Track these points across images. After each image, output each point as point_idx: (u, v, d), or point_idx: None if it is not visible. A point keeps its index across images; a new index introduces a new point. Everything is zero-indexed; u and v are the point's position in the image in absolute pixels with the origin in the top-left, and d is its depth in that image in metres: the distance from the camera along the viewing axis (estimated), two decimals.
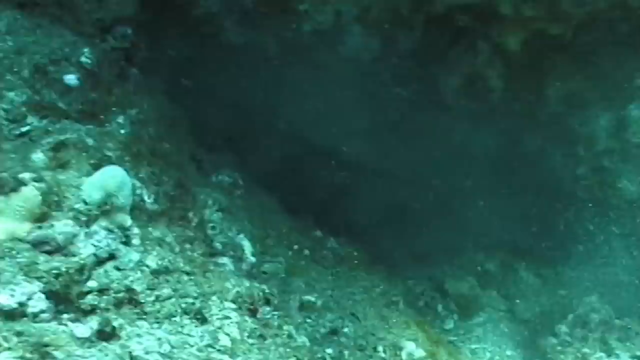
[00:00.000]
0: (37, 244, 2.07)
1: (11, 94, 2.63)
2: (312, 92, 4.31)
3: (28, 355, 1.69)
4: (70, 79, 2.64)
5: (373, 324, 3.48)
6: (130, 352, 1.99)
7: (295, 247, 3.70)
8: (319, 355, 3.07)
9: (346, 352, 3.19)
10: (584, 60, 3.99)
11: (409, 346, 3.49)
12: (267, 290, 2.80)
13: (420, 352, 3.51)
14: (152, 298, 2.28)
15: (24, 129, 2.57)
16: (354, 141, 4.63)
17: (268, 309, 2.77)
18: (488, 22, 3.79)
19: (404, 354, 3.45)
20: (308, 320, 3.19)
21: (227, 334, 2.41)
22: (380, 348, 3.37)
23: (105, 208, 2.24)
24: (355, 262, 3.81)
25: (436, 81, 4.28)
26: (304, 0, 3.75)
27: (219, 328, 2.41)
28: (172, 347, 2.14)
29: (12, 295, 1.91)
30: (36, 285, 1.99)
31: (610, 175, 4.66)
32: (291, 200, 4.09)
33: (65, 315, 2.03)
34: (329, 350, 3.14)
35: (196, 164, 3.49)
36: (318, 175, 4.52)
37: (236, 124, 4.21)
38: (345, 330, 3.32)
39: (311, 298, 3.31)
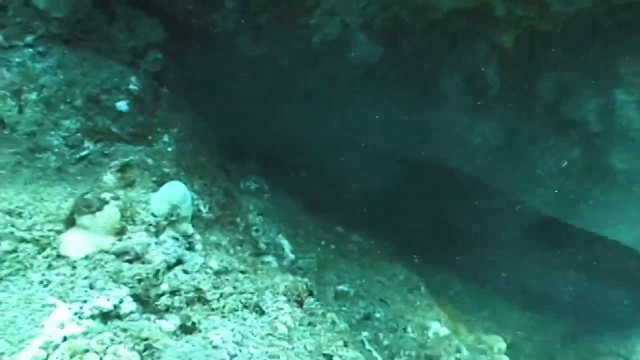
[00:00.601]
0: (120, 255, 2.36)
1: (67, 122, 2.92)
2: (324, 97, 4.61)
3: (137, 347, 1.98)
4: (122, 105, 2.93)
5: (400, 308, 3.80)
6: (211, 342, 2.29)
7: (322, 243, 4.01)
8: (358, 339, 3.40)
9: (380, 334, 3.52)
10: (572, 53, 4.31)
11: (434, 325, 3.82)
12: (308, 283, 3.11)
13: (444, 330, 3.85)
14: (217, 296, 2.58)
15: (82, 154, 2.87)
16: (366, 136, 4.94)
17: (312, 299, 3.07)
18: (484, 23, 4.11)
19: (430, 333, 3.79)
20: (344, 308, 3.52)
21: (283, 323, 2.72)
22: (409, 329, 3.70)
23: (171, 219, 2.53)
24: (378, 252, 4.12)
25: (438, 81, 4.60)
26: (313, 15, 4.05)
27: (275, 318, 2.71)
28: (242, 336, 2.45)
29: (108, 299, 2.20)
30: (124, 290, 2.28)
31: (602, 154, 5.01)
32: (313, 201, 4.40)
33: (149, 315, 2.32)
34: (365, 334, 3.47)
35: (225, 173, 3.79)
36: (334, 173, 4.82)
37: (255, 133, 4.50)
38: (377, 315, 3.64)
39: (344, 288, 3.63)
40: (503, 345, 4.36)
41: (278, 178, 4.30)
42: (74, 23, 3.17)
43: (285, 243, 3.31)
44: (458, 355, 3.74)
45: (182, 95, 3.80)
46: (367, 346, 3.38)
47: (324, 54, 4.35)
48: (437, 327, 3.81)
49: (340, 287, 3.60)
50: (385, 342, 3.49)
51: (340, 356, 2.78)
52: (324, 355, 2.71)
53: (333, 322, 3.11)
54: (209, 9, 3.90)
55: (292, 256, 3.29)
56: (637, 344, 4.82)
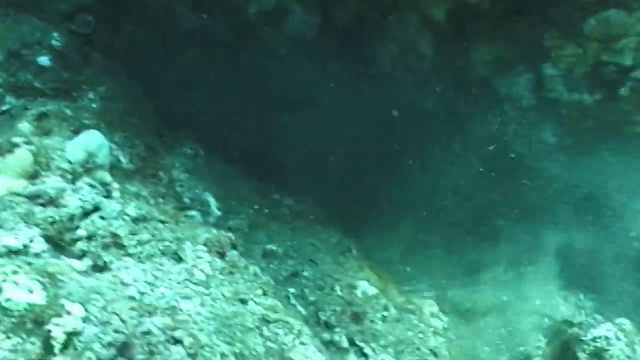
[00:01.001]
0: (32, 197, 2.42)
1: None
2: (261, 67, 4.70)
3: (40, 278, 2.04)
4: (44, 60, 2.97)
5: (330, 268, 3.91)
6: (121, 280, 2.37)
7: (256, 207, 4.10)
8: (284, 294, 3.50)
9: (307, 291, 3.62)
10: (501, 27, 4.48)
11: (363, 285, 3.95)
12: (233, 238, 3.21)
13: (373, 290, 3.97)
14: (134, 242, 2.65)
15: (4, 108, 2.90)
16: (302, 110, 5.05)
17: (235, 252, 3.16)
18: None
19: (358, 292, 3.91)
20: (271, 266, 3.62)
21: (201, 270, 2.81)
22: (337, 287, 3.81)
23: (87, 166, 2.60)
24: (311, 217, 4.23)
25: (373, 52, 4.73)
26: None
27: (194, 266, 2.80)
28: (155, 277, 2.53)
29: (17, 238, 2.26)
30: (35, 231, 2.34)
31: (534, 128, 5.21)
32: (250, 168, 4.49)
33: (62, 256, 2.39)
34: (292, 290, 3.57)
35: (159, 138, 3.85)
36: (271, 141, 4.91)
37: (193, 101, 4.56)
38: (305, 273, 3.75)
39: (273, 247, 3.73)
40: (435, 309, 4.51)
41: (215, 146, 4.37)
42: None
43: (211, 200, 3.39)
44: (385, 313, 3.86)
45: (116, 61, 3.85)
46: (292, 301, 3.48)
47: (260, 24, 4.44)
48: (366, 287, 3.93)
49: (269, 247, 3.70)
50: (311, 298, 3.60)
51: (257, 302, 2.88)
52: (240, 300, 2.81)
53: (255, 275, 3.21)
54: None
55: (218, 212, 3.38)
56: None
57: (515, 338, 4.52)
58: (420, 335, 3.90)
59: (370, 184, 4.99)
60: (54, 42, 3.05)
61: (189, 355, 2.28)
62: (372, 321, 3.77)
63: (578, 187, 5.22)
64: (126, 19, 4.08)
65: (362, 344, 3.58)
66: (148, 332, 2.18)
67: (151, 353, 2.17)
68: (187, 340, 2.29)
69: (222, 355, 2.38)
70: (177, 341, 2.28)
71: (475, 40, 4.66)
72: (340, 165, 4.88)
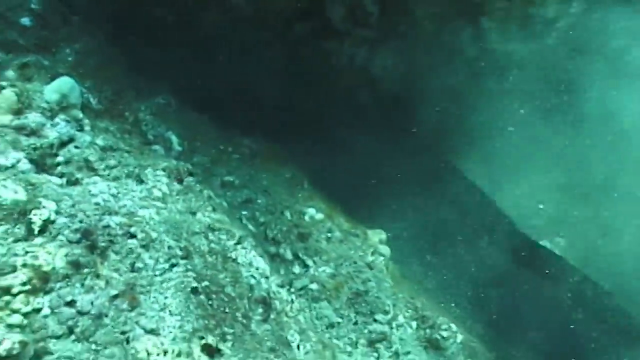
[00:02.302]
0: (18, 129, 3.08)
1: None
2: (225, 29, 5.30)
3: (23, 185, 2.72)
4: (25, 21, 3.61)
5: (282, 197, 4.57)
6: (90, 191, 3.04)
7: (221, 147, 4.75)
8: (237, 216, 4.18)
9: (258, 214, 4.30)
10: None
11: (311, 211, 4.61)
12: (191, 168, 3.87)
13: (320, 215, 4.63)
14: (103, 166, 3.32)
15: None
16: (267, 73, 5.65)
17: (191, 179, 3.82)
18: None
19: (306, 217, 4.57)
20: (228, 193, 4.28)
21: (159, 190, 3.47)
22: (287, 213, 4.48)
23: (62, 105, 3.26)
24: (269, 156, 4.88)
25: (326, 13, 5.30)
26: None
27: (153, 187, 3.46)
28: (118, 192, 3.20)
29: (7, 159, 2.94)
30: (21, 154, 3.01)
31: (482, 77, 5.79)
32: (218, 117, 5.12)
33: (44, 174, 3.06)
34: (244, 212, 4.25)
35: (135, 90, 4.49)
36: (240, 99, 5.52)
37: (169, 57, 5.16)
38: (259, 200, 4.42)
39: (230, 179, 4.39)
40: (383, 236, 5.17)
41: (187, 98, 4.99)
42: None
43: (174, 138, 4.05)
44: (330, 234, 4.53)
45: (94, 23, 4.46)
46: (244, 221, 4.16)
47: None
48: (313, 213, 4.59)
49: (227, 178, 4.36)
50: (262, 220, 4.27)
51: (206, 215, 3.56)
52: (191, 212, 3.49)
53: (209, 197, 3.88)
54: None
55: (179, 148, 4.04)
56: None
57: None
58: (361, 253, 4.57)
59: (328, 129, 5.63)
60: (33, 6, 3.68)
61: (142, 246, 2.96)
62: (317, 240, 4.45)
63: None
64: None
65: (305, 257, 4.26)
66: (108, 226, 2.87)
67: (111, 242, 2.85)
68: (140, 235, 2.98)
69: (169, 247, 3.06)
70: (132, 235, 2.97)
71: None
72: (299, 110, 5.51)
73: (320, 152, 5.33)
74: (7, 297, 2.32)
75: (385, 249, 4.97)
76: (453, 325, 4.35)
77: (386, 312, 4.24)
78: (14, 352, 2.21)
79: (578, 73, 5.39)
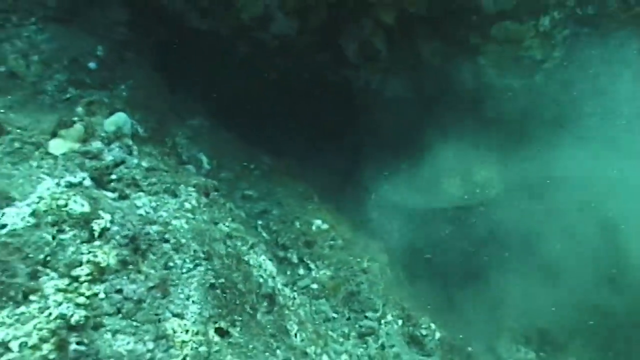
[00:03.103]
0: (84, 154, 4.00)
1: (58, 76, 4.54)
2: (255, 61, 6.17)
3: (87, 199, 3.62)
4: (92, 65, 4.53)
5: (293, 209, 5.41)
6: (135, 204, 3.93)
7: (244, 164, 5.62)
8: (253, 225, 5.04)
9: (271, 223, 5.15)
10: (437, 28, 5.77)
11: (317, 222, 5.44)
12: (216, 184, 4.74)
13: (325, 226, 5.46)
14: (146, 183, 4.20)
15: (67, 96, 4.49)
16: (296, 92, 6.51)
17: (216, 193, 4.70)
18: (365, 6, 5.59)
19: (313, 227, 5.40)
20: (247, 205, 5.14)
21: (190, 203, 4.35)
22: (297, 223, 5.32)
23: (117, 135, 4.16)
24: (284, 172, 5.73)
25: (342, 48, 6.11)
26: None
27: (185, 200, 4.33)
28: (157, 205, 4.08)
29: (75, 177, 3.85)
30: (86, 174, 3.92)
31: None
32: (245, 137, 5.99)
33: (101, 189, 3.96)
34: (260, 222, 5.10)
35: (172, 114, 5.39)
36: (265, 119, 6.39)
37: (204, 87, 6.06)
38: (273, 212, 5.27)
39: (250, 192, 5.25)
40: (382, 246, 5.96)
41: (218, 120, 5.89)
42: (63, 8, 4.76)
43: (204, 158, 4.93)
44: (332, 242, 5.34)
45: (144, 58, 5.38)
46: (259, 229, 5.02)
47: (252, 28, 5.88)
48: (320, 223, 5.41)
49: (247, 192, 5.21)
50: (274, 228, 5.11)
51: (226, 225, 4.43)
52: (214, 222, 4.36)
53: (230, 209, 4.76)
54: None
55: (208, 167, 4.91)
56: None
57: None
58: (358, 259, 5.37)
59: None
60: (98, 52, 4.60)
61: (173, 249, 3.84)
62: (321, 247, 5.27)
63: None
64: (152, 27, 5.59)
65: (309, 261, 5.09)
66: (148, 233, 3.75)
67: (150, 245, 3.74)
68: (173, 240, 3.86)
69: (195, 251, 3.93)
70: (166, 240, 3.84)
71: (420, 37, 5.97)
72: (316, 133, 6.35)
73: (333, 168, 6.18)
74: (75, 284, 3.22)
75: (383, 257, 5.76)
76: (432, 325, 5.13)
77: (376, 311, 5.04)
78: (81, 322, 3.11)
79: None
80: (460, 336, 5.33)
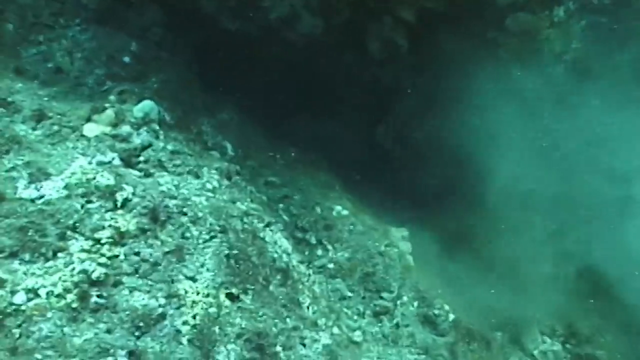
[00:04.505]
0: (114, 137, 4.43)
1: (97, 70, 5.03)
2: (283, 59, 6.52)
3: (115, 175, 4.03)
4: (126, 59, 5.00)
5: (315, 196, 5.70)
6: (157, 181, 4.32)
7: (270, 154, 5.96)
8: (274, 208, 5.36)
9: (292, 208, 5.45)
10: (456, 24, 5.97)
11: (338, 208, 5.70)
12: (239, 169, 5.11)
13: (345, 212, 5.71)
14: (171, 165, 4.59)
15: (104, 88, 4.96)
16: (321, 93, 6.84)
17: (238, 177, 5.05)
18: (385, 3, 5.86)
19: (334, 212, 5.67)
20: (269, 191, 5.46)
21: (211, 184, 4.71)
22: (317, 208, 5.60)
23: (145, 120, 4.58)
24: (309, 162, 6.03)
25: (365, 45, 6.39)
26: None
27: (207, 181, 4.70)
28: (179, 184, 4.46)
29: (106, 157, 4.28)
30: (115, 154, 4.35)
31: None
32: (273, 131, 6.35)
33: (129, 168, 4.38)
34: (281, 205, 5.41)
35: (205, 107, 5.79)
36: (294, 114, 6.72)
37: (235, 82, 6.45)
38: (295, 197, 5.56)
39: (273, 179, 5.57)
40: (405, 233, 6.16)
41: (247, 114, 6.26)
42: (102, 10, 5.26)
43: (228, 145, 5.30)
44: (352, 227, 5.59)
45: (177, 56, 5.83)
46: (279, 212, 5.34)
47: (280, 27, 6.24)
48: (340, 209, 5.67)
49: (271, 178, 5.54)
50: (295, 212, 5.41)
51: (244, 204, 4.77)
52: (232, 201, 4.70)
53: (251, 192, 5.10)
54: None
55: (232, 153, 5.28)
56: None
57: None
58: (376, 244, 5.60)
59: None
60: (132, 48, 5.07)
61: (191, 222, 4.21)
62: (339, 231, 5.53)
63: None
64: (185, 26, 6.03)
65: (326, 243, 5.36)
66: (167, 206, 4.14)
67: (168, 217, 4.12)
68: (190, 214, 4.23)
69: (211, 224, 4.28)
70: (184, 214, 4.22)
71: (440, 33, 6.18)
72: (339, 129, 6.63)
73: (356, 160, 6.45)
74: (98, 245, 3.63)
75: (406, 244, 5.96)
76: (446, 306, 5.29)
77: (391, 292, 5.26)
78: (101, 279, 3.51)
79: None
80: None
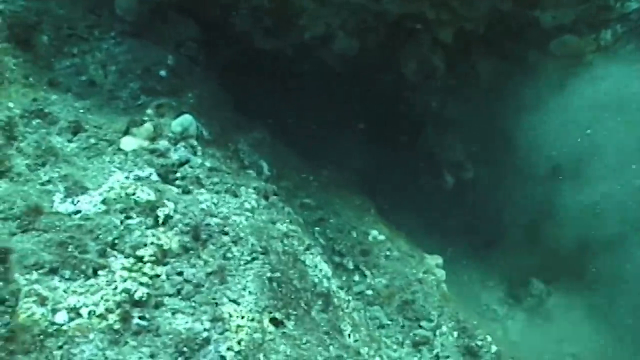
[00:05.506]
0: (152, 151, 4.24)
1: (132, 84, 4.87)
2: (316, 80, 6.39)
3: (154, 191, 3.84)
4: (163, 73, 4.84)
5: (350, 220, 5.49)
6: (197, 199, 4.12)
7: (303, 175, 5.77)
8: (310, 231, 5.14)
9: (328, 231, 5.24)
10: (494, 46, 5.85)
11: (374, 232, 5.49)
12: (276, 189, 4.91)
13: (381, 237, 5.50)
14: (209, 182, 4.39)
15: (139, 102, 4.80)
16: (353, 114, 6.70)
17: (276, 197, 4.84)
18: (424, 24, 5.73)
19: (370, 237, 5.46)
20: (305, 212, 5.26)
21: (249, 204, 4.51)
22: (353, 232, 5.39)
23: (183, 136, 4.40)
24: (343, 184, 5.84)
25: (400, 66, 6.26)
26: (302, 17, 5.82)
27: (245, 201, 4.50)
28: (218, 202, 4.26)
29: (143, 172, 4.09)
30: (153, 170, 4.16)
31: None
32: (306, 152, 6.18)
33: (167, 184, 4.19)
34: (317, 229, 5.20)
35: (237, 127, 5.63)
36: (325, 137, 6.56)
37: (267, 101, 6.31)
38: (330, 220, 5.36)
39: (308, 201, 5.37)
40: (440, 261, 5.94)
41: (279, 133, 6.09)
42: (139, 23, 5.12)
43: (264, 165, 5.10)
44: (389, 253, 5.37)
45: (211, 72, 5.69)
46: (316, 235, 5.12)
47: (314, 47, 6.12)
48: (376, 234, 5.46)
49: (306, 200, 5.34)
50: (331, 236, 5.19)
51: (284, 225, 4.55)
52: (272, 222, 4.50)
53: (289, 213, 4.89)
54: (229, 14, 5.76)
55: (268, 173, 5.08)
56: None
57: None
58: (414, 271, 5.38)
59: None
60: (169, 62, 4.91)
61: (232, 241, 4.00)
62: (376, 257, 5.31)
63: None
64: (220, 44, 5.91)
65: (364, 269, 5.14)
66: (209, 224, 3.93)
67: (210, 236, 3.91)
68: (232, 233, 4.02)
69: (252, 245, 4.06)
70: (226, 233, 4.01)
71: (478, 55, 6.06)
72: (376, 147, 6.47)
73: (388, 184, 6.26)
74: (140, 264, 3.42)
75: (440, 272, 5.73)
76: (489, 337, 5.04)
77: (430, 321, 5.01)
78: (143, 299, 3.28)
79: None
80: None
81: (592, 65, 5.63)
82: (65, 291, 3.16)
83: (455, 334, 5.05)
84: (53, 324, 3.01)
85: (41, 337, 2.94)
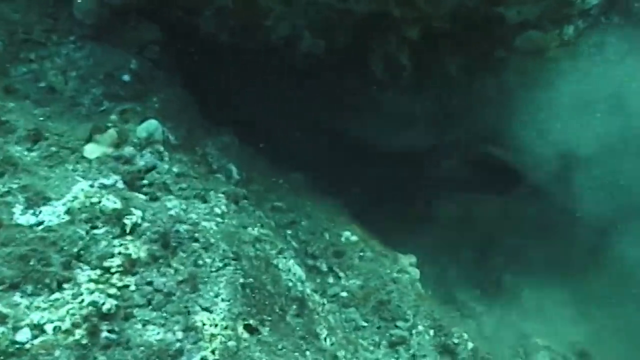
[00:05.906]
0: (117, 158, 4.12)
1: (94, 90, 4.72)
2: (284, 80, 6.30)
3: (120, 199, 3.71)
4: (126, 77, 4.71)
5: (322, 222, 5.41)
6: (165, 205, 4.01)
7: (274, 179, 5.68)
8: (282, 234, 5.06)
9: (300, 233, 5.16)
10: (461, 43, 5.84)
11: (347, 234, 5.43)
12: (246, 193, 4.81)
13: (355, 238, 5.44)
14: (177, 188, 4.29)
15: (102, 108, 4.65)
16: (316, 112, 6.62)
17: (246, 201, 4.76)
18: (390, 22, 5.70)
19: (343, 238, 5.39)
20: (276, 215, 5.17)
21: (219, 208, 4.41)
22: (326, 234, 5.32)
23: (149, 141, 4.28)
24: (314, 187, 5.77)
25: (369, 65, 6.21)
26: (268, 18, 5.73)
27: (215, 206, 4.40)
28: (187, 208, 4.15)
29: (108, 179, 3.96)
30: (118, 177, 4.03)
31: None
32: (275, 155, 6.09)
33: (133, 192, 4.06)
34: (289, 231, 5.12)
35: (204, 130, 5.51)
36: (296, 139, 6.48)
37: (233, 103, 6.20)
38: (302, 223, 5.28)
39: (279, 204, 5.28)
40: (414, 260, 5.91)
41: (248, 137, 5.99)
42: (99, 27, 4.97)
43: (233, 169, 5.00)
44: (362, 253, 5.31)
45: (175, 76, 5.56)
46: (288, 238, 5.04)
47: (281, 48, 6.04)
48: (349, 235, 5.40)
49: (277, 203, 5.24)
50: (303, 238, 5.11)
51: (255, 229, 4.47)
52: (243, 227, 4.40)
53: (260, 217, 4.81)
54: (194, 16, 5.64)
55: (237, 177, 4.99)
56: None
57: None
58: (388, 271, 5.33)
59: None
60: (132, 66, 4.78)
61: (203, 248, 3.89)
62: (350, 258, 5.24)
63: None
64: (182, 46, 5.78)
65: (338, 270, 5.06)
66: (178, 231, 3.82)
67: (179, 243, 3.80)
68: (202, 240, 3.91)
69: (224, 251, 3.96)
70: (196, 240, 3.90)
71: (444, 52, 6.05)
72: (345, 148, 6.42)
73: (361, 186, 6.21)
74: (107, 275, 3.29)
75: (415, 271, 5.70)
76: (465, 334, 5.03)
77: (406, 320, 4.97)
78: (112, 311, 3.16)
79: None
80: None
81: (556, 60, 5.67)
82: (27, 307, 3.02)
83: (432, 332, 5.02)
84: (14, 342, 2.87)
85: (1, 358, 2.80)
